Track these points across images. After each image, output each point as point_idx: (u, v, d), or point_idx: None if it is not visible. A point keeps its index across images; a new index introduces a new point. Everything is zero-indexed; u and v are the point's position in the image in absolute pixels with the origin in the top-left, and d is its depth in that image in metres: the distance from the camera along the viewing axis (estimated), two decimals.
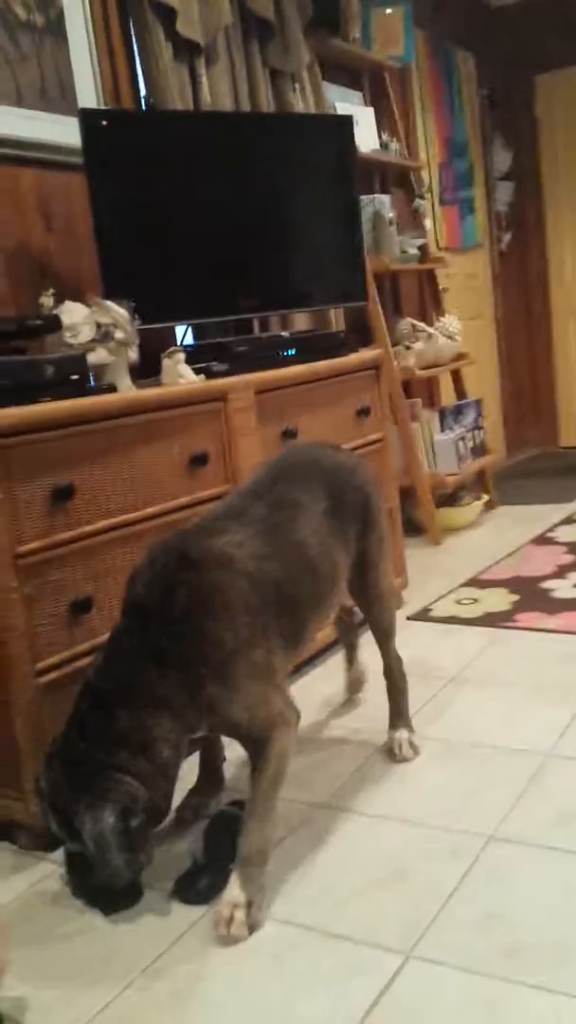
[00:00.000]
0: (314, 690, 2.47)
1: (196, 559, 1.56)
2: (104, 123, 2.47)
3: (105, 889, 1.57)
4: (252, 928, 1.49)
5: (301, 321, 3.45)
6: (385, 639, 2.07)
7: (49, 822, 1.57)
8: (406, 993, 1.32)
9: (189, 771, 1.94)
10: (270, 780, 1.55)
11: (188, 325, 2.88)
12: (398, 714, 2.08)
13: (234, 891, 1.50)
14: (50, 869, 1.75)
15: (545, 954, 1.37)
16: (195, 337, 2.96)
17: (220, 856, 1.61)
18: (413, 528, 3.87)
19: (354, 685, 2.40)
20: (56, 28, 2.62)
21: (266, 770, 1.55)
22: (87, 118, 2.41)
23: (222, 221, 2.73)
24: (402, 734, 2.05)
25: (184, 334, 2.94)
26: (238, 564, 1.59)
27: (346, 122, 3.05)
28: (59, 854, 1.72)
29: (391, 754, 2.03)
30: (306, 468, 1.85)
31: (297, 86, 3.48)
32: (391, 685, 2.09)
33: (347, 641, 2.40)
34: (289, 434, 2.49)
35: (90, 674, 1.56)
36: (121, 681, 1.51)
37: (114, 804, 1.46)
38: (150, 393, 2.09)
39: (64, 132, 2.60)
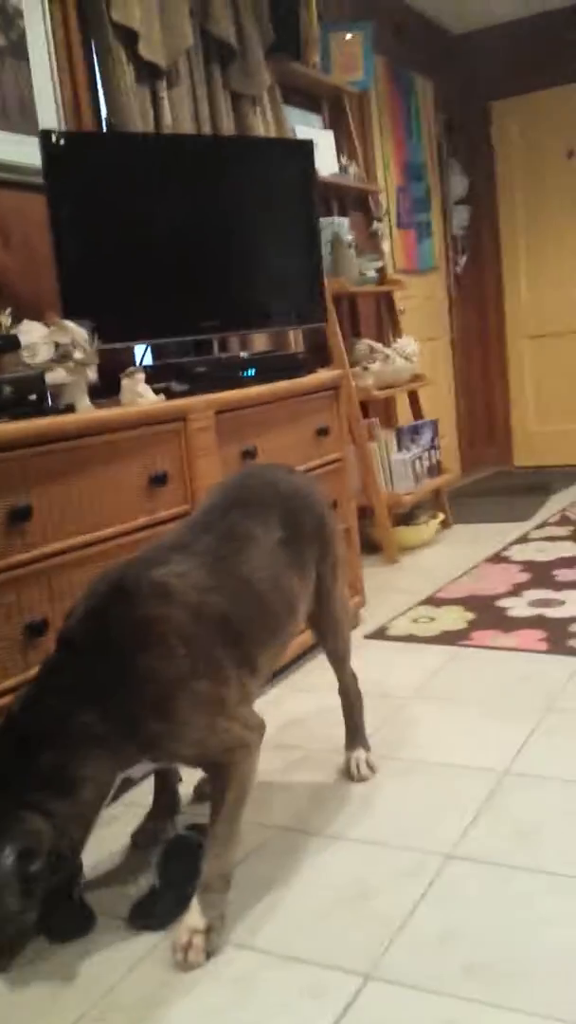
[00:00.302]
0: (277, 704, 2.47)
1: (131, 590, 1.51)
2: (64, 143, 2.47)
3: (55, 914, 1.53)
4: (211, 954, 1.48)
5: (260, 342, 3.47)
6: (340, 663, 2.06)
7: None
8: (367, 1015, 1.33)
9: (144, 795, 1.93)
10: (232, 804, 1.54)
11: (147, 345, 2.88)
12: (354, 734, 2.09)
13: (194, 916, 1.48)
14: None
15: (503, 972, 1.38)
16: (154, 357, 2.96)
17: (176, 881, 1.61)
18: (370, 547, 3.89)
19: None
20: (17, 48, 2.62)
21: (227, 794, 1.53)
22: (47, 138, 2.42)
23: (183, 242, 2.75)
24: (359, 753, 2.06)
25: (143, 354, 2.95)
26: (177, 595, 1.53)
27: (307, 146, 3.08)
28: None
29: (348, 774, 2.04)
30: (261, 495, 1.80)
31: (258, 109, 3.51)
32: (346, 705, 2.09)
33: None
34: (248, 454, 2.50)
35: (15, 710, 1.47)
36: (49, 719, 1.43)
37: (14, 844, 1.35)
38: (110, 413, 2.09)
39: (23, 152, 2.60)
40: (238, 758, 1.54)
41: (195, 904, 1.50)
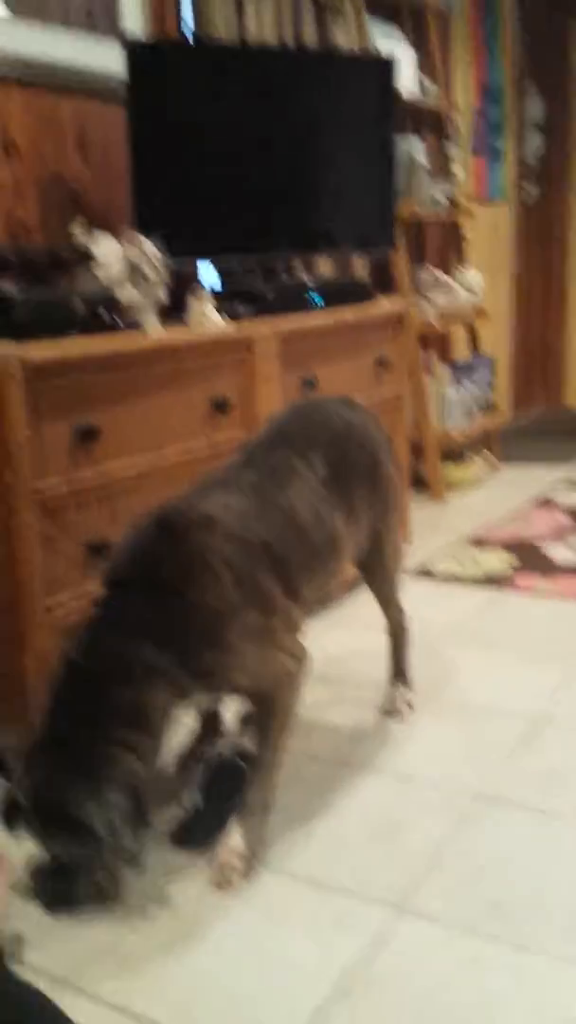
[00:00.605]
0: (321, 638, 2.50)
1: (174, 525, 1.51)
2: (149, 51, 2.41)
3: (96, 884, 1.50)
4: (248, 877, 1.54)
5: (323, 266, 3.41)
6: (388, 604, 2.09)
7: (28, 829, 1.45)
8: (395, 947, 1.38)
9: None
10: (276, 732, 1.58)
11: (214, 265, 2.85)
12: (398, 671, 2.13)
13: (235, 839, 1.54)
14: None
15: (528, 913, 1.43)
16: (221, 278, 2.92)
17: (218, 803, 1.66)
18: (417, 483, 3.89)
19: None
20: None
21: (272, 724, 1.58)
22: (132, 45, 2.36)
23: (257, 158, 2.69)
24: (400, 691, 2.10)
25: (210, 275, 2.91)
26: (220, 526, 1.54)
27: (389, 63, 2.98)
28: None
29: (387, 710, 2.09)
30: (310, 432, 1.78)
31: (340, 20, 3.39)
32: (393, 642, 2.13)
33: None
34: (309, 384, 2.49)
35: (72, 654, 1.47)
36: (110, 657, 1.44)
37: (120, 784, 1.38)
38: (181, 336, 2.09)
39: (107, 59, 2.54)
40: (283, 687, 1.58)
41: (237, 827, 1.55)
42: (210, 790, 1.70)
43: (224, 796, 1.65)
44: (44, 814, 1.41)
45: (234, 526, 1.55)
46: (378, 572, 2.01)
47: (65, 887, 1.48)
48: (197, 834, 1.64)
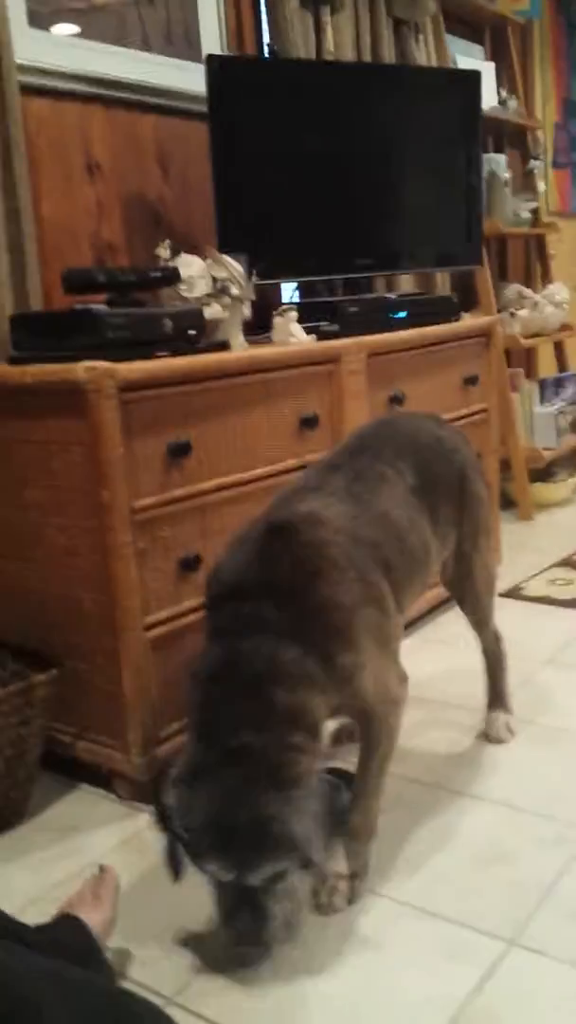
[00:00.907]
0: (412, 656, 2.42)
1: (284, 524, 1.44)
2: (229, 69, 2.42)
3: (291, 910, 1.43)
4: (352, 901, 1.48)
5: (407, 283, 3.37)
6: (481, 628, 1.99)
7: (209, 864, 1.27)
8: (508, 982, 1.31)
9: None
10: (381, 758, 1.51)
11: (298, 282, 2.83)
12: (496, 696, 2.04)
13: (340, 863, 1.49)
14: (148, 821, 1.76)
15: None
16: (302, 295, 2.91)
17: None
18: (504, 502, 3.79)
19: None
20: None
21: (377, 748, 1.50)
22: (213, 64, 2.36)
23: (340, 175, 2.67)
24: (500, 715, 2.02)
25: (292, 292, 2.90)
26: (329, 522, 1.47)
27: (473, 78, 2.94)
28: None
29: (487, 735, 2.00)
30: (395, 442, 1.70)
31: (420, 37, 3.37)
32: (489, 666, 2.04)
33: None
34: (396, 400, 2.44)
35: (209, 670, 1.35)
36: (261, 661, 1.31)
37: (311, 792, 1.26)
38: (268, 352, 2.06)
39: (186, 78, 2.55)
40: (388, 713, 1.50)
41: (341, 851, 1.50)
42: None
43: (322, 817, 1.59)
44: (241, 837, 1.24)
45: (341, 523, 1.48)
46: (470, 595, 1.92)
47: (259, 923, 1.33)
48: None
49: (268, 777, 1.25)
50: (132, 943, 1.43)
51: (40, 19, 2.22)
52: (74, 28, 2.30)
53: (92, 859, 1.65)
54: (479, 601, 1.95)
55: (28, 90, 2.18)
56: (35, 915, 1.43)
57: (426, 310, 2.68)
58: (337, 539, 1.45)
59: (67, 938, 1.21)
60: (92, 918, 1.30)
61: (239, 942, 1.36)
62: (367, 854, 1.53)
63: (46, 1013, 0.69)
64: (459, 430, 1.92)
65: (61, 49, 2.26)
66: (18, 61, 2.09)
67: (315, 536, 1.44)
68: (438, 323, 2.64)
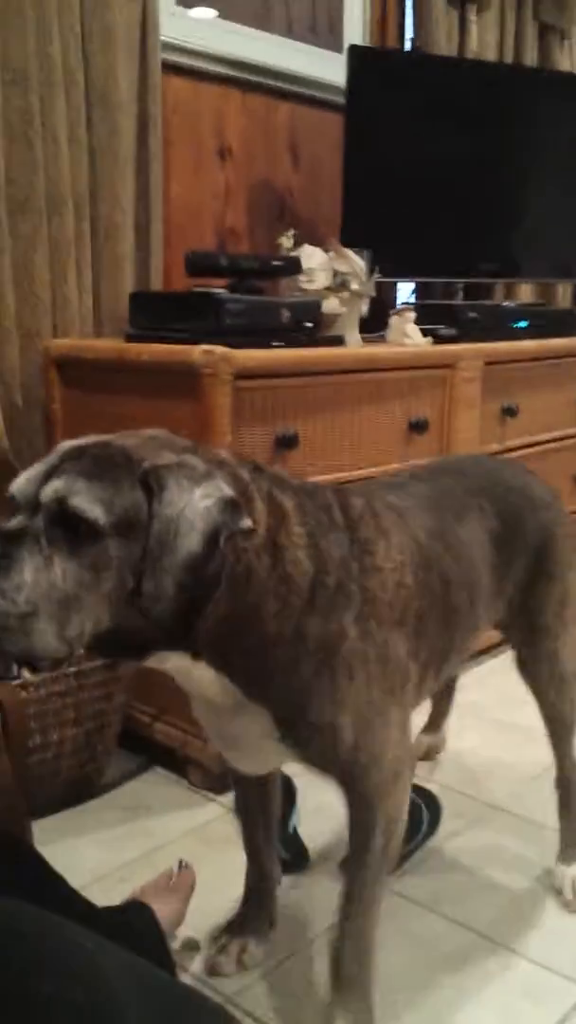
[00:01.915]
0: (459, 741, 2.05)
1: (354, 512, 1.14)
2: (371, 61, 2.38)
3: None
4: None
5: (526, 292, 3.29)
6: (563, 736, 1.55)
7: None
8: None
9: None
10: (375, 865, 1.14)
11: (419, 283, 2.78)
12: (571, 843, 1.58)
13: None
14: (218, 812, 1.75)
15: None
16: (419, 296, 2.86)
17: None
18: None
19: (427, 751, 1.97)
20: None
21: (370, 848, 1.13)
22: (356, 54, 2.33)
23: (470, 177, 2.61)
24: (573, 871, 1.55)
25: (410, 292, 2.85)
26: (410, 522, 1.22)
27: None
28: (230, 797, 1.70)
29: (558, 892, 1.55)
30: (483, 476, 1.43)
31: (565, 43, 3.27)
32: (564, 801, 1.58)
33: (437, 704, 1.92)
34: (509, 411, 2.38)
35: None
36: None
37: (222, 490, 0.93)
38: (384, 351, 2.03)
39: (325, 68, 2.52)
40: (388, 792, 1.13)
41: (333, 1015, 1.17)
42: None
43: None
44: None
45: (418, 533, 1.22)
46: (551, 685, 1.49)
47: None
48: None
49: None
50: (196, 936, 1.41)
51: None
52: (219, 9, 2.29)
53: (160, 843, 1.65)
54: (563, 688, 1.50)
55: (169, 68, 2.18)
56: (100, 892, 1.43)
57: (547, 322, 2.60)
58: (404, 539, 1.18)
59: (137, 926, 1.20)
60: (163, 910, 1.29)
61: None
62: (371, 1008, 1.17)
63: (128, 1013, 0.67)
64: (552, 489, 1.54)
65: (205, 29, 2.26)
66: (163, 39, 2.09)
67: (378, 514, 1.17)
68: (559, 336, 2.56)
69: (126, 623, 0.91)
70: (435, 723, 1.98)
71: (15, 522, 0.88)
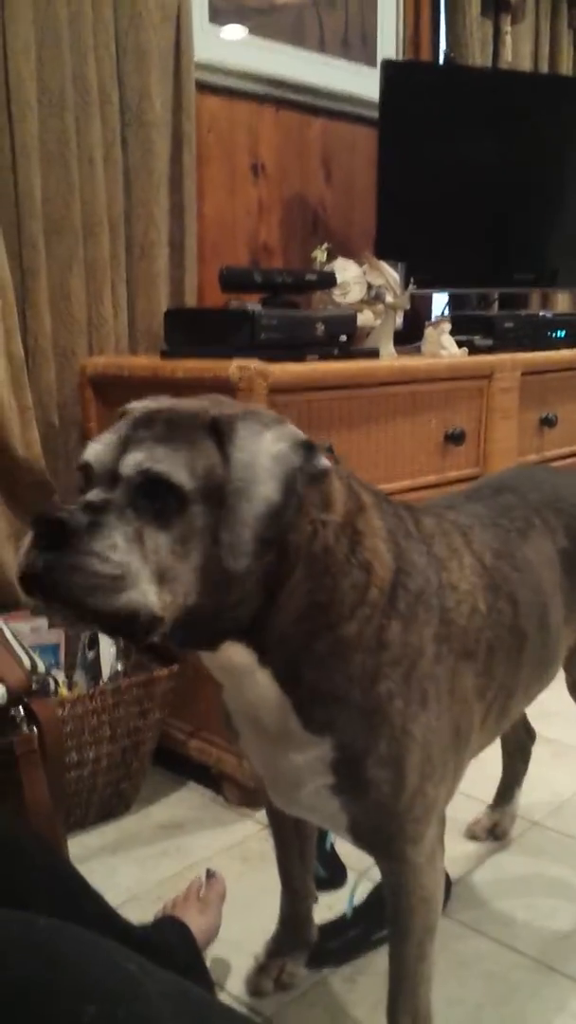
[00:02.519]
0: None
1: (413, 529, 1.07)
2: (404, 75, 2.38)
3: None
4: None
5: (564, 302, 3.25)
6: None
7: None
8: None
9: None
10: (417, 941, 1.09)
11: (452, 295, 2.76)
12: None
13: None
14: (255, 828, 1.74)
15: None
16: (454, 307, 2.84)
17: (368, 921, 1.42)
18: None
19: (495, 829, 1.73)
20: None
21: (412, 928, 1.08)
22: (389, 69, 2.33)
23: (506, 188, 2.59)
24: None
25: (444, 304, 2.83)
26: (474, 541, 1.14)
27: None
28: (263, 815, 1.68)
29: None
30: (546, 491, 1.32)
31: None
32: None
33: (511, 766, 1.74)
34: (548, 422, 2.35)
35: None
36: None
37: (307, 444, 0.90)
38: (418, 363, 2.01)
39: (359, 82, 2.52)
40: (425, 870, 1.06)
41: None
42: (363, 907, 1.46)
43: (376, 916, 1.40)
44: None
45: (484, 555, 1.14)
46: None
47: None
48: (336, 948, 1.41)
49: None
50: (232, 953, 1.40)
51: (221, 15, 2.22)
52: (252, 26, 2.30)
53: (195, 860, 1.64)
54: None
55: (203, 87, 2.20)
56: (135, 910, 1.42)
57: None
58: (468, 561, 1.11)
59: (173, 943, 1.19)
60: (196, 923, 1.28)
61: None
62: None
63: None
64: None
65: (238, 47, 2.27)
66: (196, 58, 2.11)
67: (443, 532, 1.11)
68: None
69: (209, 600, 0.86)
70: (506, 792, 1.74)
71: (95, 494, 0.84)
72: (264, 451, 0.86)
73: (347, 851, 1.60)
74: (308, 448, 0.88)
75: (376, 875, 1.45)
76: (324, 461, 0.89)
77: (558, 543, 1.26)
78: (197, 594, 0.85)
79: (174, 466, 0.83)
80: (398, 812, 0.99)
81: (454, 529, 1.13)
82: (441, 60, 2.80)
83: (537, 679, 1.23)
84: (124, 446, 0.86)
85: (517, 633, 1.14)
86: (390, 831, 1.01)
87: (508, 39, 2.85)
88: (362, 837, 1.03)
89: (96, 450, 0.88)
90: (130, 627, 0.81)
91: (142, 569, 0.81)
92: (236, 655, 0.93)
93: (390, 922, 1.10)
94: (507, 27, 2.85)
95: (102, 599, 0.79)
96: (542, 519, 1.26)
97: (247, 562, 0.84)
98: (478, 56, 2.75)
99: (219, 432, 0.86)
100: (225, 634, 0.91)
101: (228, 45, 2.25)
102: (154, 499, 0.83)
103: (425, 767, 0.99)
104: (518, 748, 1.73)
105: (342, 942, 1.41)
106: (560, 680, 1.40)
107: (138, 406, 0.92)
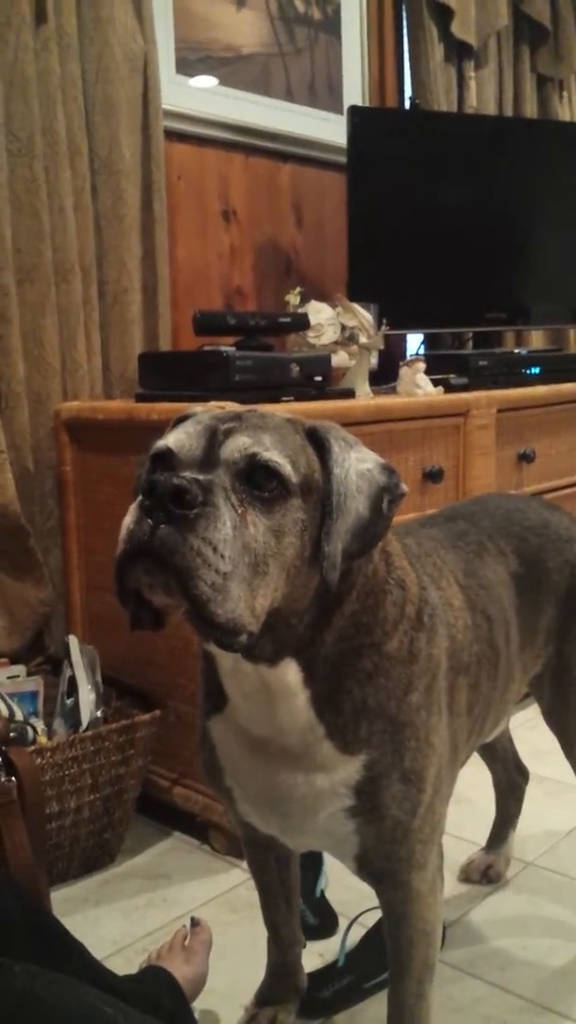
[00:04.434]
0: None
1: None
2: (371, 120, 2.42)
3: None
4: None
5: (537, 339, 3.29)
6: None
7: None
8: None
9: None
10: (416, 978, 1.07)
11: (427, 334, 2.79)
12: None
13: None
14: (242, 877, 1.70)
15: None
16: (428, 347, 2.87)
17: (360, 969, 1.39)
18: None
19: (489, 871, 1.68)
20: (331, 23, 2.59)
21: (412, 963, 1.06)
22: (356, 115, 2.37)
23: (475, 228, 2.63)
24: None
25: (419, 343, 2.86)
26: (448, 562, 1.16)
27: None
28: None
29: None
30: (497, 518, 1.33)
31: (564, 94, 3.32)
32: None
33: (504, 806, 1.70)
34: (526, 457, 2.36)
35: None
36: None
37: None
38: (396, 401, 2.02)
39: (326, 128, 2.57)
40: (425, 898, 1.04)
41: None
42: (355, 954, 1.42)
43: (367, 964, 1.39)
44: None
45: (458, 574, 1.17)
46: None
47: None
48: (325, 997, 1.37)
49: None
50: (222, 1004, 1.36)
51: (187, 66, 2.27)
52: (219, 76, 2.34)
53: (183, 911, 1.60)
54: None
55: (173, 135, 2.23)
56: (121, 963, 1.39)
57: (561, 367, 2.60)
58: (451, 589, 1.14)
59: (159, 994, 1.15)
60: (182, 972, 1.24)
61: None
62: None
63: None
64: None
65: (205, 96, 2.31)
66: (166, 107, 2.14)
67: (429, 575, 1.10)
68: (573, 380, 2.55)
69: (285, 606, 0.86)
70: (500, 833, 1.70)
71: (190, 474, 0.80)
72: (354, 468, 0.87)
73: (338, 898, 1.57)
74: (392, 471, 0.90)
75: (368, 921, 1.44)
76: (404, 485, 0.91)
77: (510, 567, 1.28)
78: (282, 596, 0.85)
79: (281, 456, 0.83)
80: (412, 830, 0.99)
81: (433, 550, 1.16)
82: (407, 105, 2.85)
83: (502, 697, 1.23)
84: (216, 435, 0.85)
85: (494, 648, 1.17)
86: (399, 855, 1.00)
87: (472, 83, 2.92)
88: (370, 863, 1.02)
89: (179, 438, 0.86)
90: (227, 636, 0.81)
91: (241, 568, 0.79)
92: (290, 672, 0.92)
93: (390, 959, 1.09)
94: (471, 72, 2.92)
95: (208, 603, 0.78)
96: (494, 544, 1.29)
97: (336, 575, 0.85)
98: (443, 101, 2.81)
99: (317, 440, 0.88)
100: (286, 648, 0.91)
101: (196, 94, 2.29)
102: (257, 486, 0.82)
103: (436, 780, 1.00)
104: (511, 788, 1.70)
105: (334, 991, 1.38)
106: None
107: (204, 410, 0.92)
